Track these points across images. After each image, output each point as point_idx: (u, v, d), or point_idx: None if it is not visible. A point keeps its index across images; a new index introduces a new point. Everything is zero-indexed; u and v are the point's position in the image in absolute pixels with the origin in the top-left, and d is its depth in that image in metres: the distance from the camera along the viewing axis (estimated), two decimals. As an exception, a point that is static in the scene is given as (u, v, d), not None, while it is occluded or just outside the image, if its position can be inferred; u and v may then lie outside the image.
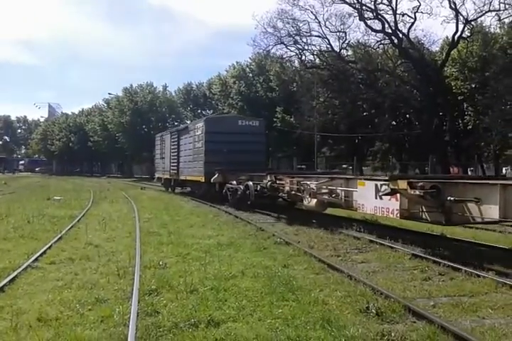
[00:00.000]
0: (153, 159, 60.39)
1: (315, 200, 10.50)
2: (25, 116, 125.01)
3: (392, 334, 4.19)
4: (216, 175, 17.44)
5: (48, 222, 12.03)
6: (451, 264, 6.83)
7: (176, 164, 23.38)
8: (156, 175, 30.32)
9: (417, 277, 6.44)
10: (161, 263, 6.99)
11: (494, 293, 5.59)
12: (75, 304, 5.09)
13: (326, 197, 10.33)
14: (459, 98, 30.71)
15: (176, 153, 23.50)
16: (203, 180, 18.66)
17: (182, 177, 22.54)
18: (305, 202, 10.94)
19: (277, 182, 13.18)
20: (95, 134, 65.04)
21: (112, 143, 59.86)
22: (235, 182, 16.15)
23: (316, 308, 4.94)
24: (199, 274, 6.34)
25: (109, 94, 63.28)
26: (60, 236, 9.48)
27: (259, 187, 14.05)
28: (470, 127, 29.67)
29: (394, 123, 37.99)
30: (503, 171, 39.03)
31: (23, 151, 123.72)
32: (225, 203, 16.88)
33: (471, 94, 29.67)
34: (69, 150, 77.99)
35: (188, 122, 38.61)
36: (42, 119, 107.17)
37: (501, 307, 5.05)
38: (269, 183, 13.32)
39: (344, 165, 40.32)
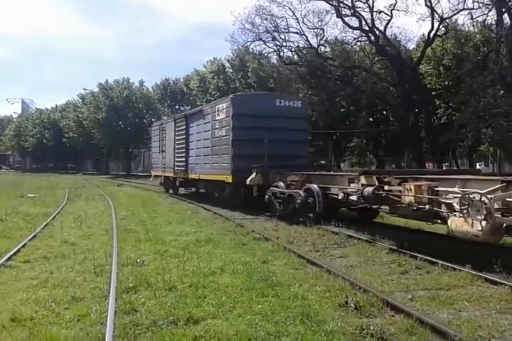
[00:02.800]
0: (129, 155, 60.79)
1: (484, 223, 6.09)
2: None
3: (371, 327, 4.22)
4: (254, 175, 13.14)
5: (22, 219, 11.76)
6: (428, 258, 6.93)
7: (182, 159, 18.68)
8: (153, 173, 25.19)
9: (394, 271, 6.52)
10: (138, 260, 6.89)
11: (470, 286, 5.70)
12: (50, 303, 4.98)
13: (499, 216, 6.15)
14: (433, 94, 31.22)
15: (183, 145, 18.74)
16: (229, 180, 14.22)
17: (193, 176, 17.74)
18: (454, 225, 6.61)
19: (386, 188, 8.50)
20: (70, 130, 63.87)
21: (87, 140, 58.92)
22: (281, 184, 12.16)
23: (296, 303, 4.94)
24: (177, 271, 6.28)
25: (84, 89, 62.48)
26: (34, 234, 9.27)
27: (342, 195, 9.78)
28: (445, 122, 30.22)
29: (371, 119, 38.38)
30: (477, 166, 39.88)
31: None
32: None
33: (446, 91, 30.20)
34: (43, 147, 76.41)
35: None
36: (15, 115, 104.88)
37: (477, 300, 5.15)
38: (370, 190, 8.51)
39: (322, 161, 40.56)
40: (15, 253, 7.42)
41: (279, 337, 4.11)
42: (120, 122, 54.22)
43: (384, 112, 38.61)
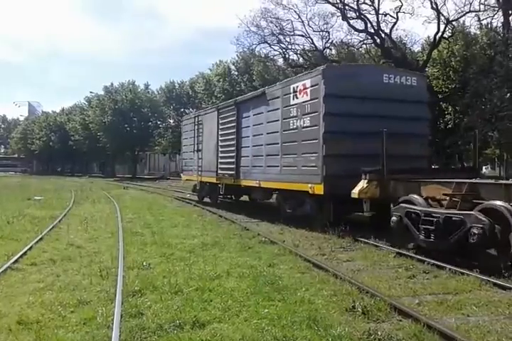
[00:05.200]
0: (135, 158, 60.99)
1: None
2: (5, 115, 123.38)
3: (379, 333, 4.19)
4: (365, 184, 8.87)
5: (29, 222, 11.79)
6: (436, 262, 6.87)
7: (231, 160, 14.58)
8: (184, 177, 20.72)
9: (401, 275, 6.47)
10: (144, 263, 6.89)
11: (478, 291, 5.64)
12: (56, 306, 4.98)
13: None
14: (440, 97, 31.08)
15: (231, 142, 14.58)
16: (318, 191, 10.02)
17: (247, 183, 13.69)
18: None
19: None
20: (76, 133, 64.19)
21: (93, 143, 59.17)
22: (417, 198, 7.91)
23: (302, 308, 4.91)
24: (183, 274, 6.27)
25: (91, 92, 62.47)
26: (40, 236, 9.30)
27: None
28: (450, 126, 30.04)
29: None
30: (483, 169, 39.65)
31: (2, 151, 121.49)
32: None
33: (452, 94, 30.06)
34: (49, 150, 76.78)
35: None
36: (22, 118, 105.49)
37: (485, 305, 5.09)
38: None
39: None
40: (21, 256, 7.44)
41: (286, 341, 4.08)
42: (126, 125, 54.42)
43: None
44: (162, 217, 13.37)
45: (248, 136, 13.71)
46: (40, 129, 79.04)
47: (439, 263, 6.83)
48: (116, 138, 52.70)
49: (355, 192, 8.97)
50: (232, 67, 45.08)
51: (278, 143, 11.83)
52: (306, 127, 10.68)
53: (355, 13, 28.60)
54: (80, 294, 5.41)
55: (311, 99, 10.56)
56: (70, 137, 66.20)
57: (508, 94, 24.51)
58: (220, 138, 15.60)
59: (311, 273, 6.49)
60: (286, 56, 33.96)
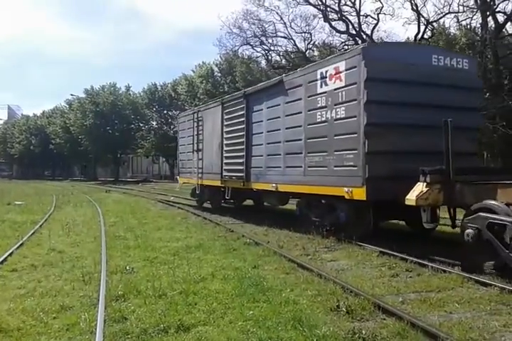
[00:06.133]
0: (117, 161, 60.43)
1: None
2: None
3: (363, 331, 4.21)
4: (424, 187, 7.11)
5: (9, 227, 11.59)
6: (418, 261, 6.95)
7: (239, 160, 12.90)
8: (181, 180, 18.78)
9: (385, 274, 6.53)
10: (128, 267, 6.81)
11: (460, 288, 5.72)
12: (38, 312, 4.89)
13: None
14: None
15: (239, 140, 12.95)
16: (358, 196, 8.39)
17: (261, 186, 12.02)
18: None
19: None
20: (57, 137, 63.31)
21: (74, 146, 58.42)
22: (500, 205, 6.35)
23: (287, 308, 4.92)
24: (167, 278, 6.22)
25: (72, 95, 61.97)
26: (21, 242, 9.12)
27: None
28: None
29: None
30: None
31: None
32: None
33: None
34: (30, 154, 75.67)
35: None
36: (1, 122, 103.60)
37: (467, 302, 5.16)
38: None
39: None
40: (1, 262, 7.29)
41: (271, 343, 4.08)
42: (108, 128, 53.87)
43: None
44: (145, 220, 13.26)
45: (261, 133, 11.98)
46: (20, 133, 77.83)
47: (421, 261, 6.91)
48: (98, 141, 52.12)
49: (411, 199, 7.15)
50: (215, 69, 45.04)
51: (301, 140, 10.16)
52: (340, 119, 8.94)
53: (337, 14, 28.89)
54: (62, 300, 5.33)
55: (346, 85, 8.83)
56: (51, 140, 65.25)
57: (487, 94, 24.92)
58: (225, 136, 13.93)
59: (295, 274, 6.51)
60: (269, 57, 34.17)
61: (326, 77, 9.44)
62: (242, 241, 9.25)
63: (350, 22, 28.87)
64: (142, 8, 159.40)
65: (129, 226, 11.71)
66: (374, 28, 29.05)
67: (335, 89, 9.11)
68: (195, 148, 16.21)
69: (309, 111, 9.91)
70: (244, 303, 5.11)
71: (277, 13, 31.03)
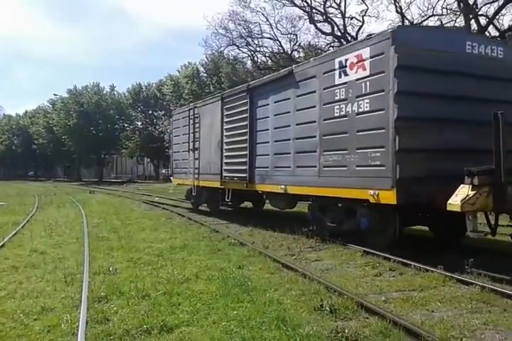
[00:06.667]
0: (101, 161, 59.89)
1: None
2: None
3: (346, 330, 4.23)
4: (470, 190, 6.26)
5: (-11, 229, 11.40)
6: (401, 260, 7.01)
7: (241, 160, 11.93)
8: (175, 181, 17.70)
9: (368, 273, 6.57)
10: (111, 268, 6.75)
11: (442, 287, 5.78)
12: (18, 314, 4.82)
13: None
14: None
15: (242, 138, 11.96)
16: (386, 200, 7.34)
17: (266, 188, 11.17)
18: None
19: None
20: (40, 137, 62.61)
21: (57, 146, 57.86)
22: None
23: (271, 308, 4.92)
24: (151, 279, 6.18)
25: (55, 95, 61.38)
26: (2, 243, 8.99)
27: None
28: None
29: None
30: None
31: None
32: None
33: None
34: (12, 154, 74.75)
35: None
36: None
37: (449, 300, 5.23)
38: None
39: None
40: (-19, 264, 7.19)
41: (255, 342, 4.07)
42: (92, 128, 53.43)
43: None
44: (129, 221, 13.16)
45: (267, 130, 10.97)
46: (2, 133, 76.82)
47: (404, 260, 6.97)
48: (82, 142, 51.64)
49: (454, 204, 6.23)
50: (201, 69, 44.99)
51: (315, 137, 9.08)
52: (364, 113, 7.87)
53: (322, 16, 29.09)
54: (44, 301, 5.26)
55: (371, 75, 7.76)
56: (34, 141, 64.54)
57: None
58: (225, 134, 12.90)
59: (280, 274, 6.51)
60: (255, 58, 34.27)
61: (345, 66, 8.34)
62: (227, 241, 9.23)
63: (336, 24, 29.15)
64: (127, 7, 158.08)
65: (112, 227, 11.60)
66: (359, 29, 29.41)
67: (357, 80, 8.05)
68: (191, 147, 15.26)
69: (325, 104, 8.84)
70: (228, 303, 5.09)
71: (263, 14, 31.23)
